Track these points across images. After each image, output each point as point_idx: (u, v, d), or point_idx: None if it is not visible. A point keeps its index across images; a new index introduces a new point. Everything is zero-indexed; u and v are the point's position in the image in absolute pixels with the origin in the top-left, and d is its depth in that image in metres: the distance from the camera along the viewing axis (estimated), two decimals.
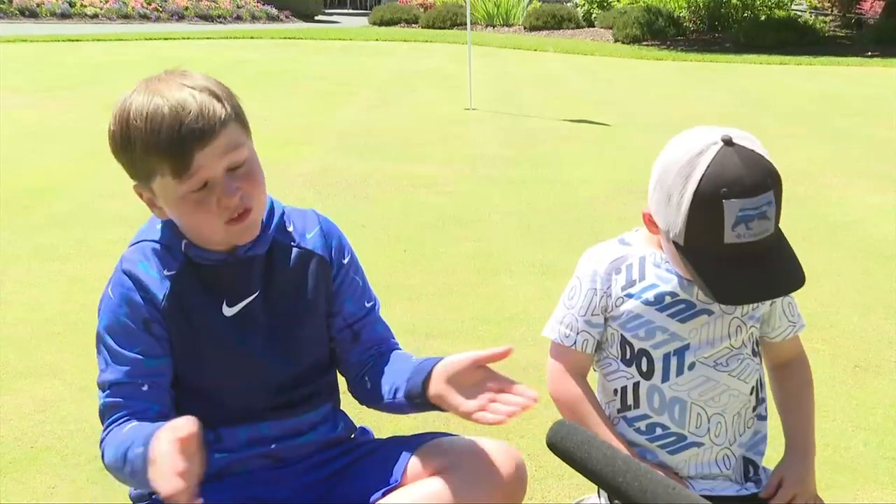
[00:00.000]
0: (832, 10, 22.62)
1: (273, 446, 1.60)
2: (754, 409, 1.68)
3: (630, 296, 1.63)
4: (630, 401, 1.66)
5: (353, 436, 1.73)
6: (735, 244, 1.46)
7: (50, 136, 7.81)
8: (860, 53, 17.55)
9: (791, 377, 1.75)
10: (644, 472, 1.19)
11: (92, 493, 2.46)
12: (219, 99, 1.44)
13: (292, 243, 1.62)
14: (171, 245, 1.54)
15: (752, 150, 1.48)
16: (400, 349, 1.74)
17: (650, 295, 1.61)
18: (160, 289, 1.51)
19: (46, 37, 18.44)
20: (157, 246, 1.54)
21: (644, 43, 19.99)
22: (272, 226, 1.59)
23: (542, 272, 4.33)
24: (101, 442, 1.51)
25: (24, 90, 10.68)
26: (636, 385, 1.64)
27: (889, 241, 5.00)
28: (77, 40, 18.27)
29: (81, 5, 25.45)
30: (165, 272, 1.52)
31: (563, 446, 1.31)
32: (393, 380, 1.61)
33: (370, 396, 1.67)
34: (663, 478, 1.21)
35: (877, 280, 4.35)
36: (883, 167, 7.11)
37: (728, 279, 1.48)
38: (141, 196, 1.51)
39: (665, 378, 1.61)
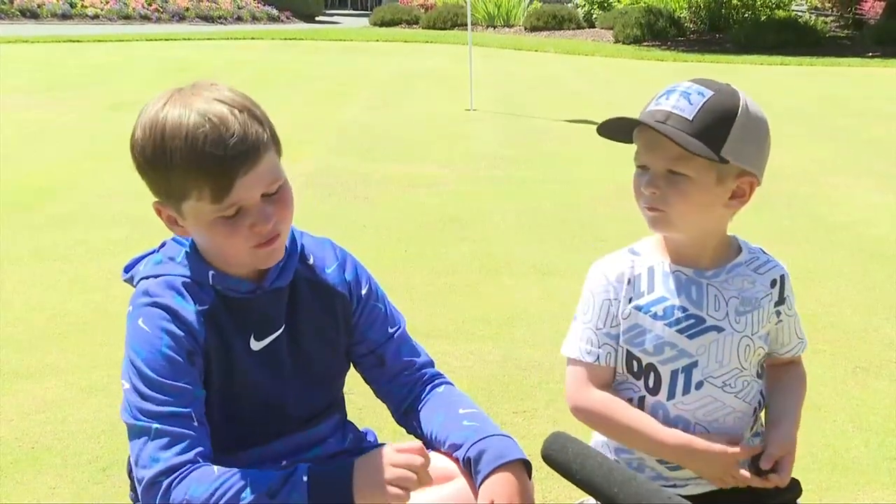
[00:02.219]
0: (832, 11, 22.62)
1: (284, 463, 1.58)
2: (751, 427, 1.67)
3: (638, 308, 1.59)
4: None
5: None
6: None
7: (51, 137, 7.81)
8: (860, 54, 17.56)
9: (787, 373, 1.73)
10: (640, 483, 1.19)
11: (93, 493, 2.46)
12: (259, 121, 1.38)
13: (313, 278, 1.59)
14: (200, 280, 1.48)
15: None
16: (430, 372, 1.72)
17: (659, 309, 1.58)
18: (200, 324, 1.45)
19: (47, 37, 18.46)
20: (188, 280, 1.47)
21: (645, 43, 19.99)
22: (296, 256, 1.56)
23: (543, 272, 4.33)
24: (173, 483, 1.36)
25: (25, 91, 10.69)
26: (641, 399, 1.61)
27: (889, 241, 5.00)
28: (78, 41, 18.30)
29: (82, 6, 25.48)
30: (198, 307, 1.46)
31: (558, 458, 1.31)
32: (446, 436, 1.60)
33: (424, 441, 1.65)
34: (659, 488, 1.21)
35: (877, 280, 4.35)
36: (883, 167, 7.11)
37: None
38: (159, 213, 1.45)
39: (671, 395, 1.59)
